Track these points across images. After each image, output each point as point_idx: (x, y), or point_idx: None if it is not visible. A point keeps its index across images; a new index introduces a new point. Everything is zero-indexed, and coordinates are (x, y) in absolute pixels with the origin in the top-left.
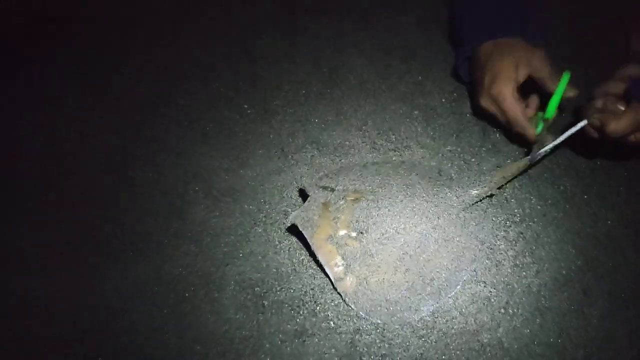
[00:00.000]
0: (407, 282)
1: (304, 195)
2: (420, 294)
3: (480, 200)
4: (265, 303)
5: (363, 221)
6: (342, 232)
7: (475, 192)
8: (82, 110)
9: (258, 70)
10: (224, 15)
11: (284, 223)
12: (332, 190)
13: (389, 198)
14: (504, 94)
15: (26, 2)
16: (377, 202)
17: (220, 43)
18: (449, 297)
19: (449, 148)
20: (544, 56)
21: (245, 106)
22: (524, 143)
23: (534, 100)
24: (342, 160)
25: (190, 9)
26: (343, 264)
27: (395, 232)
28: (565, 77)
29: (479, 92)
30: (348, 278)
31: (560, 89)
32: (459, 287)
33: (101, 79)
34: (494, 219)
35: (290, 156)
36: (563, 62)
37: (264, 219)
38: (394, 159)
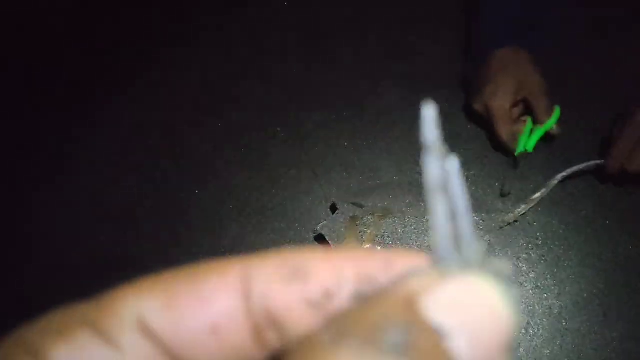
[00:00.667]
0: None
1: (334, 211)
2: None
3: (506, 225)
4: None
5: (389, 237)
6: (367, 246)
7: (501, 218)
8: (121, 129)
9: (291, 96)
10: (256, 42)
11: (313, 241)
12: (361, 206)
13: (416, 217)
14: (498, 108)
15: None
16: (404, 220)
17: (253, 70)
18: None
19: (473, 172)
20: (543, 85)
21: (279, 129)
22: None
23: (523, 120)
24: (370, 182)
25: (227, 36)
26: None
27: (420, 250)
28: (556, 114)
29: (477, 97)
30: None
31: (548, 124)
32: None
33: (142, 101)
34: (517, 242)
35: (320, 177)
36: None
37: (293, 237)
38: (420, 182)
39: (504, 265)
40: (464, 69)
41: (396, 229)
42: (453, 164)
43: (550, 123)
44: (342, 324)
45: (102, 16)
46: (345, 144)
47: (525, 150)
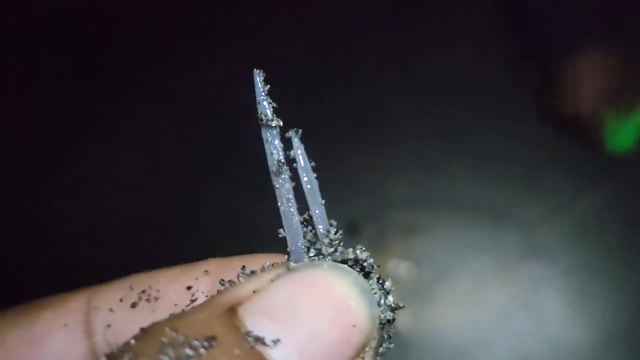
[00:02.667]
0: (458, 320)
1: (353, 230)
2: (469, 337)
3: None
4: None
5: (417, 252)
6: (394, 261)
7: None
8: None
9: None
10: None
11: None
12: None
13: (444, 232)
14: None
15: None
16: (433, 234)
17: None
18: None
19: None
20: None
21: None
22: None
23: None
24: (383, 199)
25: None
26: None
27: (450, 266)
28: None
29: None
30: (403, 311)
31: None
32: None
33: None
34: (543, 267)
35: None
36: None
37: None
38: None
39: (363, 253)
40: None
41: (423, 246)
42: (295, 139)
43: None
44: (139, 344)
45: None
46: (352, 160)
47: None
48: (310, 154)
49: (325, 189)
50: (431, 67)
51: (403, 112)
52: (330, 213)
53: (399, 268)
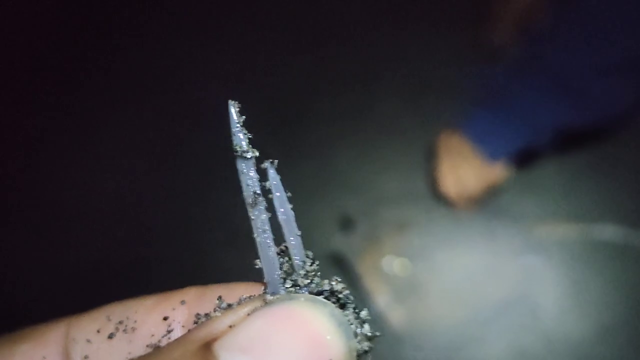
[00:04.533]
0: (453, 315)
1: (347, 226)
2: (464, 332)
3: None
4: None
5: (411, 248)
6: (387, 258)
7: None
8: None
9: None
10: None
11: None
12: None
13: (438, 228)
14: None
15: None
16: (427, 230)
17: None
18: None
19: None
20: None
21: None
22: None
23: None
24: (376, 195)
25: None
26: (391, 293)
27: (445, 262)
28: None
29: None
30: (397, 307)
31: None
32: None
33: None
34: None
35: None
36: None
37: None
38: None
39: (339, 285)
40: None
41: (417, 241)
42: (271, 170)
43: None
44: None
45: None
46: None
47: None
48: (303, 152)
49: (318, 186)
50: (421, 63)
51: (394, 108)
52: (324, 210)
53: (393, 264)
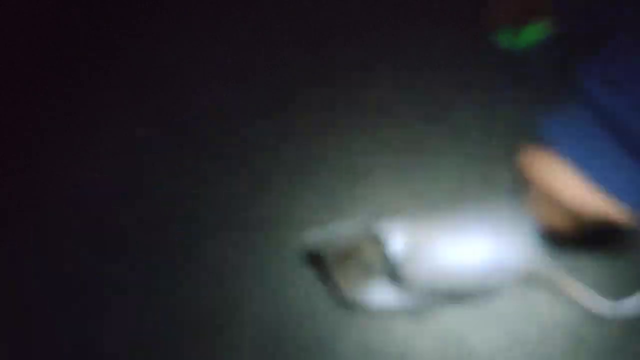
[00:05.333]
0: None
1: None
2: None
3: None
4: (287, 346)
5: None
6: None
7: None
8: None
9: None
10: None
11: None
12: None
13: (433, 214)
14: None
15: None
16: (421, 217)
17: (255, 85)
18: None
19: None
20: None
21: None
22: None
23: None
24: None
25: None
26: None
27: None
28: None
29: None
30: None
31: None
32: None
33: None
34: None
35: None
36: None
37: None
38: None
39: None
40: None
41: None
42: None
43: None
44: None
45: None
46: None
47: None
48: (297, 142)
49: (311, 176)
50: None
51: (387, 94)
52: (317, 198)
53: (389, 252)
